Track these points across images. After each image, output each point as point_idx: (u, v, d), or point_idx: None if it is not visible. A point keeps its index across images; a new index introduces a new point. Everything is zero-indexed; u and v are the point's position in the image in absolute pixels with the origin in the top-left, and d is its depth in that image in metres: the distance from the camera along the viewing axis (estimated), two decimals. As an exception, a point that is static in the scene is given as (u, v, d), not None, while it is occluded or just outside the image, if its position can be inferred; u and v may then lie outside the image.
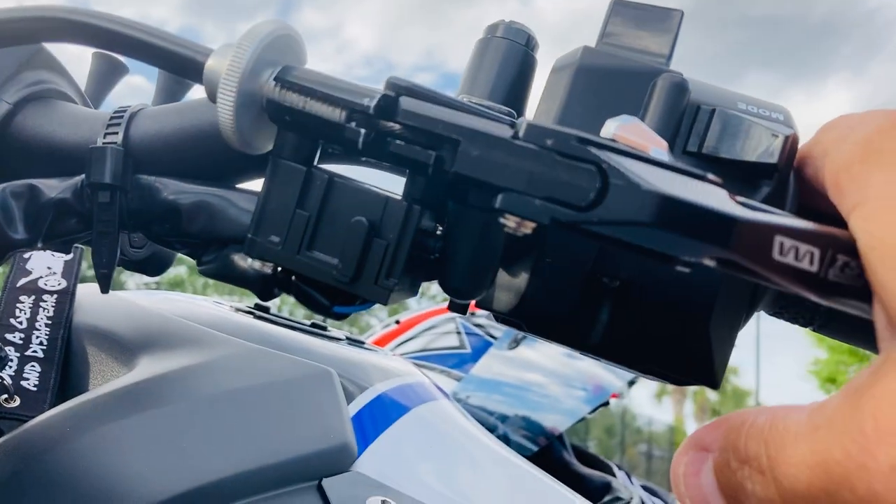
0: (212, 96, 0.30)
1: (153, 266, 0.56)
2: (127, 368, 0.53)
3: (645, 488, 1.79)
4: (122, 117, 0.37)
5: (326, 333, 0.69)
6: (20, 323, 0.56)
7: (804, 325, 0.37)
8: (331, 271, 0.30)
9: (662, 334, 0.31)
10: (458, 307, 0.35)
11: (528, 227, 0.24)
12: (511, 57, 0.35)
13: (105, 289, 0.39)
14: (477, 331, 1.69)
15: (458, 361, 1.64)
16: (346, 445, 0.51)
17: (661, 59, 0.33)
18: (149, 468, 0.44)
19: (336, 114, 0.29)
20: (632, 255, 0.24)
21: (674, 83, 0.31)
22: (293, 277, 0.33)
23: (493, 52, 0.35)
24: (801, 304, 0.35)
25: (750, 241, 0.21)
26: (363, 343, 0.73)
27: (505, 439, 1.57)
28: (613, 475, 1.71)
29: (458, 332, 1.69)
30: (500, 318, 0.34)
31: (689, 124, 0.32)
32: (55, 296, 0.58)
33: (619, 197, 0.22)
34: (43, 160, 0.38)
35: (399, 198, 0.30)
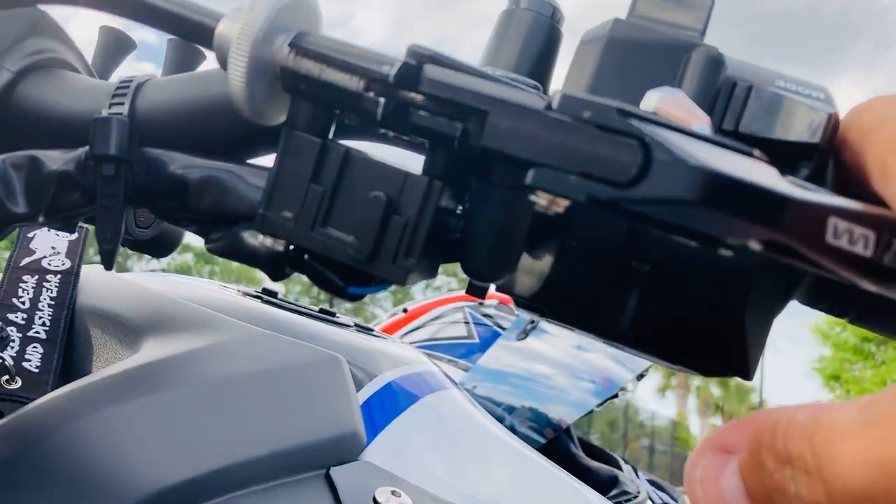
0: (222, 63, 0.29)
1: (160, 247, 0.55)
2: (131, 351, 0.52)
3: (651, 482, 1.78)
4: (128, 87, 0.36)
5: (335, 320, 0.68)
6: (23, 303, 0.55)
7: (839, 315, 0.35)
8: (346, 249, 0.29)
9: (694, 322, 0.30)
10: (476, 290, 0.33)
11: (561, 206, 0.22)
12: (536, 29, 0.34)
13: (109, 265, 0.37)
14: (485, 321, 1.67)
15: (465, 351, 1.63)
16: (354, 434, 0.50)
17: (695, 32, 0.31)
18: (151, 454, 0.43)
19: (354, 82, 0.27)
20: (666, 237, 0.22)
21: (710, 57, 0.30)
22: (306, 256, 0.32)
23: (517, 24, 0.34)
24: (838, 293, 0.34)
25: (803, 222, 0.19)
26: (372, 330, 0.72)
27: (512, 430, 1.55)
28: (620, 469, 1.70)
29: (467, 322, 1.67)
30: (521, 303, 0.32)
31: (724, 101, 0.30)
32: (59, 276, 0.57)
33: (663, 173, 0.20)
34: (45, 131, 0.37)
35: (419, 173, 0.29)
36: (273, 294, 0.69)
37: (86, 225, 0.57)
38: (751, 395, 25.98)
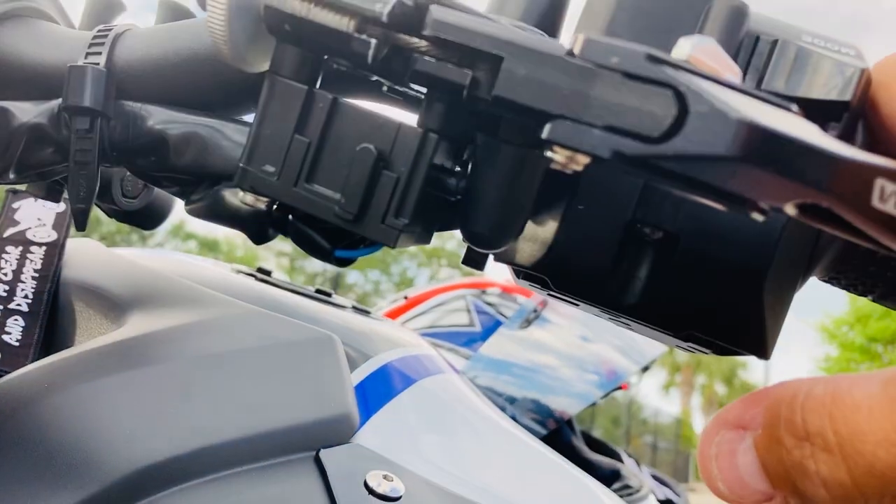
0: (202, 2, 0.27)
1: (147, 218, 0.53)
2: (115, 325, 0.50)
3: (654, 477, 1.76)
4: (106, 36, 0.33)
5: (331, 300, 0.66)
6: (5, 275, 0.53)
7: (862, 293, 0.33)
8: (332, 207, 0.27)
9: (709, 295, 0.28)
10: (474, 259, 0.31)
11: (580, 163, 0.20)
12: None
13: (81, 226, 0.35)
14: (488, 309, 1.65)
15: (467, 340, 1.61)
16: (346, 415, 0.48)
17: None
18: (131, 430, 0.41)
19: (344, 23, 0.25)
20: (682, 201, 0.20)
21: (733, 6, 0.28)
22: (290, 217, 0.29)
23: None
24: (862, 269, 0.31)
25: (849, 184, 0.17)
26: (369, 312, 0.69)
27: (513, 421, 1.53)
28: (622, 462, 1.68)
29: (469, 310, 1.65)
30: (522, 272, 0.30)
31: (746, 56, 0.28)
32: (44, 248, 0.55)
33: (700, 126, 0.18)
34: (18, 82, 0.34)
35: (414, 126, 0.27)
36: (267, 273, 0.67)
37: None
38: (755, 393, 25.96)
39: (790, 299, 0.29)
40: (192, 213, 0.32)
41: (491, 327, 1.62)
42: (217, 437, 0.42)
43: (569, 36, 0.30)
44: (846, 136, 0.27)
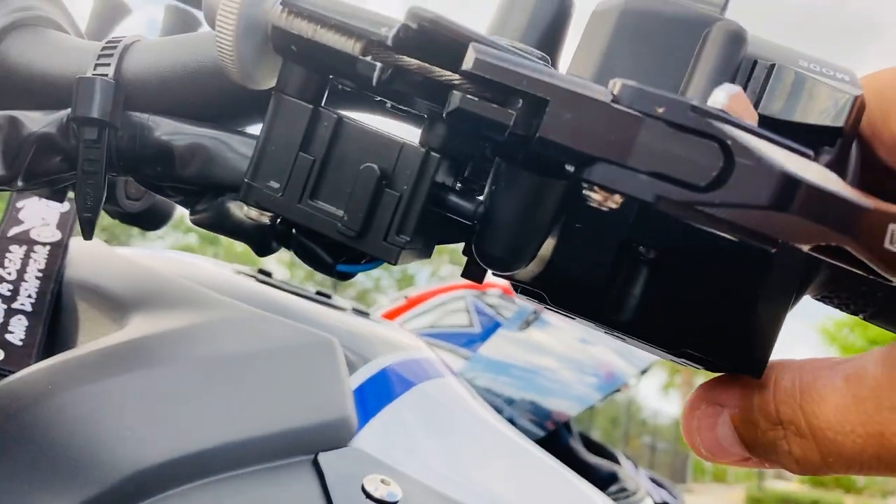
0: (211, 21, 0.27)
1: (150, 220, 0.53)
2: (118, 326, 0.50)
3: (652, 480, 1.76)
4: (115, 48, 0.34)
5: (331, 302, 0.66)
6: (9, 274, 0.53)
7: (853, 312, 0.34)
8: (335, 224, 0.27)
9: (702, 315, 0.28)
10: (473, 273, 0.31)
11: (616, 202, 0.21)
12: None
13: (88, 235, 0.35)
14: (488, 310, 1.65)
15: (466, 340, 1.61)
16: (345, 419, 0.48)
17: (716, 7, 0.29)
18: (132, 432, 0.41)
19: (349, 45, 0.25)
20: (676, 221, 0.21)
21: (731, 32, 0.28)
22: (293, 231, 0.30)
23: None
24: (854, 289, 0.32)
25: (868, 229, 0.20)
26: (369, 314, 0.70)
27: (511, 422, 1.54)
28: (619, 464, 1.69)
29: (468, 311, 1.66)
30: (520, 288, 0.31)
31: (743, 80, 0.28)
32: (48, 248, 0.55)
33: (745, 178, 0.20)
34: (27, 91, 0.35)
35: (416, 145, 0.27)
36: (268, 274, 0.67)
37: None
38: (753, 395, 25.91)
39: (783, 318, 0.30)
40: (196, 223, 0.33)
41: (490, 328, 1.63)
42: (216, 440, 0.43)
43: (568, 57, 0.30)
44: (840, 161, 0.27)
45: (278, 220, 0.29)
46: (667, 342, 0.29)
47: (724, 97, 0.22)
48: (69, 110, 0.33)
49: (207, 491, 0.41)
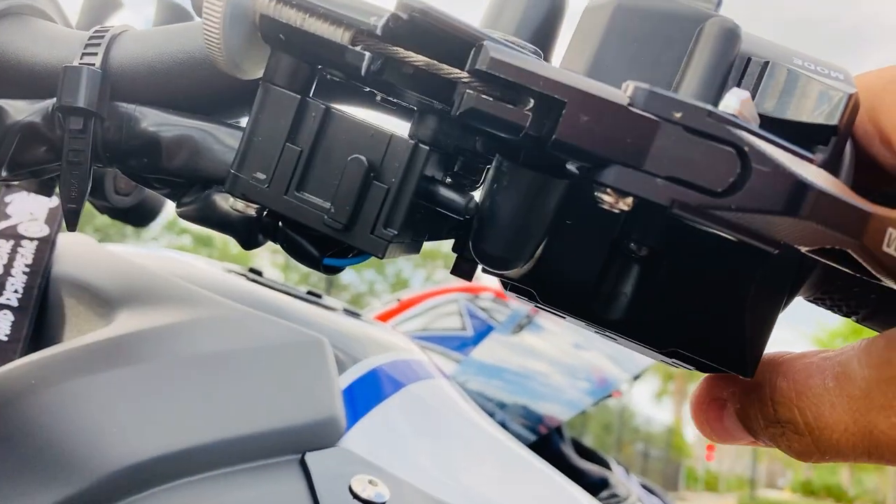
0: (198, 9, 0.27)
1: (139, 215, 0.53)
2: (105, 322, 0.50)
3: (643, 486, 1.76)
4: (102, 37, 0.33)
5: (321, 302, 0.66)
6: (-4, 268, 0.52)
7: (846, 314, 0.33)
8: (322, 216, 0.27)
9: (693, 314, 0.28)
10: (462, 270, 0.31)
11: (628, 205, 0.21)
12: None
13: (72, 226, 0.35)
14: (480, 314, 1.65)
15: (459, 344, 1.61)
16: (333, 419, 0.48)
17: (710, 4, 0.29)
18: (118, 429, 0.41)
19: (338, 34, 0.25)
20: (668, 219, 0.21)
21: (724, 28, 0.28)
22: (280, 223, 0.29)
23: None
24: (847, 290, 0.32)
25: (869, 232, 0.20)
26: (360, 315, 0.69)
27: (503, 426, 1.53)
28: (610, 470, 1.68)
29: (461, 314, 1.65)
30: (510, 285, 0.30)
31: (737, 77, 0.28)
32: (35, 243, 0.54)
33: (762, 185, 0.20)
34: (14, 80, 0.34)
35: (405, 137, 0.27)
36: (258, 273, 0.67)
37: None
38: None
39: (774, 319, 0.29)
40: (182, 215, 0.32)
41: (483, 332, 1.62)
42: (203, 438, 0.42)
43: (561, 51, 0.30)
44: (834, 160, 0.27)
45: (265, 212, 0.29)
46: (657, 341, 0.28)
47: (737, 102, 0.22)
48: (55, 99, 0.32)
49: (192, 489, 0.41)
